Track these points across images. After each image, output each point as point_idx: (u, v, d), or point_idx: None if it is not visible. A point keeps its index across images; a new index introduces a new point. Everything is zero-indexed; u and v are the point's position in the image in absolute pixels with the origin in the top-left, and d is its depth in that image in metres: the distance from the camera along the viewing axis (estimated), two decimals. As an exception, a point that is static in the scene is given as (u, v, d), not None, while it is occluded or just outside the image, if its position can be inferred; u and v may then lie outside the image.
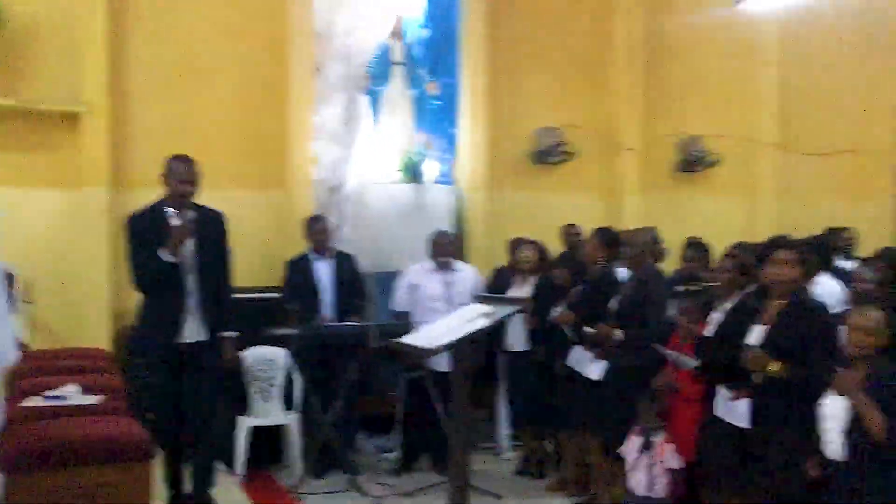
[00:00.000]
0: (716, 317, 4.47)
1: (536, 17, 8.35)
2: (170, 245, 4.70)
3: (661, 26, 8.68)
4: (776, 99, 9.10)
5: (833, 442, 3.49)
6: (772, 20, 8.86)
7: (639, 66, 8.57)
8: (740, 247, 4.95)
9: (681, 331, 4.65)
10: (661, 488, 4.55)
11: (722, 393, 4.16)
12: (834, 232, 7.35)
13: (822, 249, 5.52)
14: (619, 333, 4.99)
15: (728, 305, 4.41)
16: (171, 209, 4.84)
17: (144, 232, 4.79)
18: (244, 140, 7.28)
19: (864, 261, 5.40)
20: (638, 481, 4.56)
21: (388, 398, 6.76)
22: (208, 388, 4.94)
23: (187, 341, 4.81)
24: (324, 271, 6.42)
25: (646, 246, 5.25)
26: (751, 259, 4.62)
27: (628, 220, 8.19)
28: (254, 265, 6.96)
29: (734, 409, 4.08)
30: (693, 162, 8.81)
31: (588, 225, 6.75)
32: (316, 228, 6.48)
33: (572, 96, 8.53)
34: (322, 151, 7.59)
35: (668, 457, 4.54)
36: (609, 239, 5.57)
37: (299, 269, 6.42)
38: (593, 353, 5.27)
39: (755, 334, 4.00)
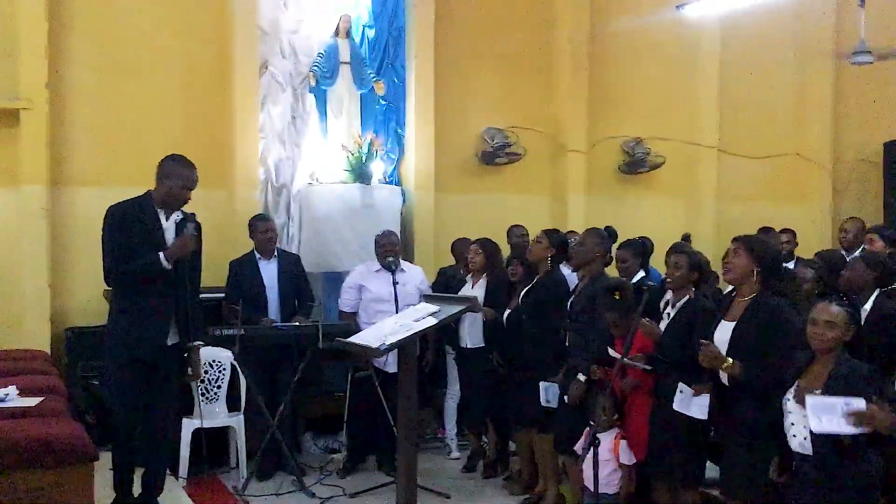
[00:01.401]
0: (669, 313, 4.55)
1: (483, 19, 8.40)
2: (173, 252, 4.64)
3: (605, 30, 8.80)
4: (716, 103, 9.28)
5: (797, 436, 3.55)
6: (713, 26, 9.05)
7: (583, 68, 8.67)
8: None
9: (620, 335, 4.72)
10: (612, 484, 4.61)
11: (682, 388, 4.23)
12: (767, 232, 7.52)
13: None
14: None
15: (681, 302, 4.49)
16: (176, 215, 4.79)
17: (131, 228, 4.68)
18: (187, 138, 7.15)
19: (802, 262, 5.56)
20: (590, 477, 4.60)
21: (335, 398, 6.74)
22: (173, 392, 4.91)
23: (168, 344, 4.77)
24: (269, 272, 6.36)
25: (597, 250, 5.30)
26: (702, 257, 4.73)
27: (573, 220, 8.29)
28: (197, 265, 6.86)
29: (694, 404, 4.16)
30: (636, 164, 8.95)
31: (534, 226, 6.82)
32: (261, 228, 6.42)
33: (519, 97, 8.60)
34: (268, 150, 7.53)
35: (622, 453, 4.61)
36: (557, 241, 5.62)
37: (244, 270, 6.35)
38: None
39: (722, 330, 4.07)
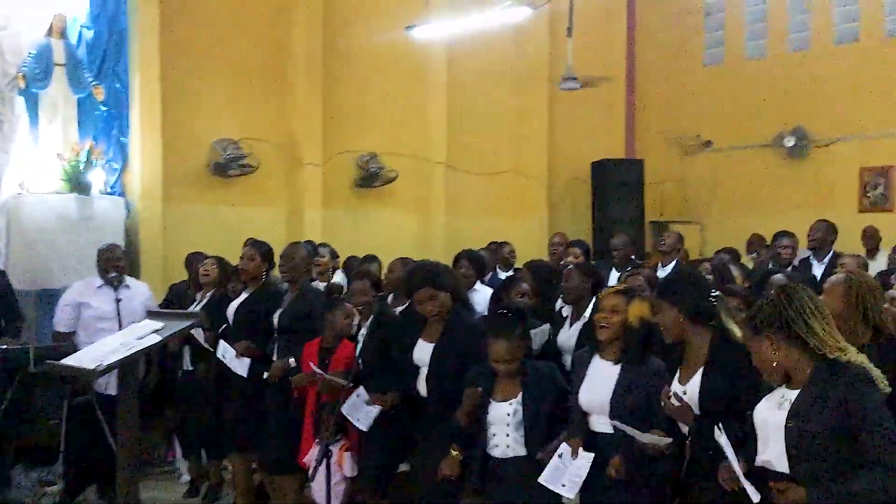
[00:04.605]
0: (363, 333, 4.73)
1: (213, 25, 8.20)
2: None
3: (339, 45, 8.92)
4: (444, 121, 9.72)
5: (499, 445, 3.80)
6: (440, 49, 9.47)
7: (317, 82, 8.73)
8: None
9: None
10: (338, 495, 4.65)
11: (359, 393, 4.46)
12: (497, 246, 7.98)
13: (479, 262, 6.00)
14: (292, 362, 4.98)
15: (370, 320, 4.67)
16: None
17: None
18: None
19: (516, 271, 5.95)
20: (318, 491, 4.62)
21: (49, 426, 6.22)
22: None
23: None
24: (-31, 289, 5.76)
25: (302, 261, 5.34)
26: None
27: (309, 234, 8.29)
28: None
29: (363, 413, 4.44)
30: (371, 178, 9.14)
31: (270, 239, 6.72)
32: (-40, 242, 5.80)
33: (252, 109, 8.48)
34: (-31, 156, 6.85)
35: (346, 464, 4.66)
36: (265, 252, 5.59)
37: (-61, 288, 5.71)
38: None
39: (421, 350, 4.26)
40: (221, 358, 5.27)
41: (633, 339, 3.54)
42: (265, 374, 5.00)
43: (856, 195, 9.71)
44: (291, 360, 4.93)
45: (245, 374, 5.19)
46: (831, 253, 6.89)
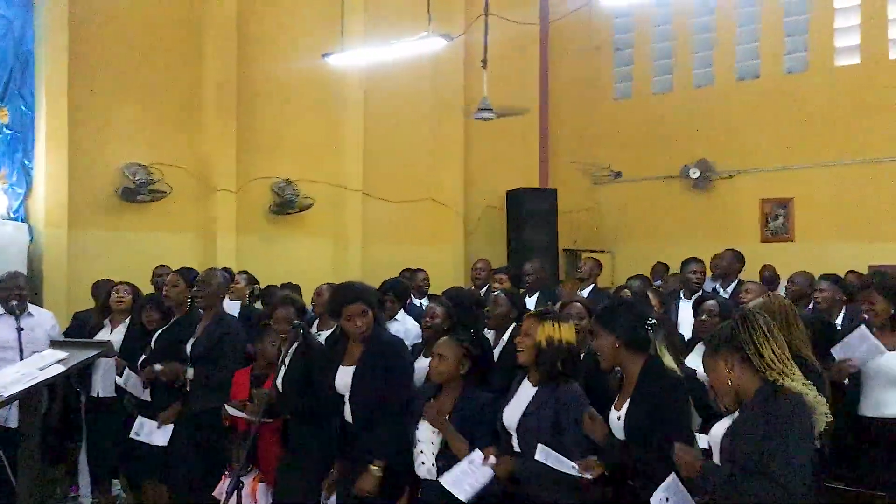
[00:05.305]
0: (285, 362, 4.64)
1: (124, 50, 8.05)
2: None
3: (254, 71, 8.87)
4: (361, 149, 9.74)
5: (425, 463, 3.82)
6: (357, 77, 9.50)
7: (231, 107, 8.65)
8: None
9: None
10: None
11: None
12: (411, 273, 8.02)
13: (403, 292, 6.01)
14: (189, 373, 4.93)
15: (293, 348, 4.60)
16: None
17: None
18: None
19: (432, 297, 5.98)
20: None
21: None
22: None
23: None
24: None
25: (219, 287, 5.27)
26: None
27: (223, 260, 8.16)
28: None
29: None
30: (286, 204, 9.07)
31: (182, 265, 6.61)
32: None
33: (163, 134, 8.34)
34: None
35: (260, 495, 4.59)
36: (190, 280, 5.49)
37: None
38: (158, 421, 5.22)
39: (342, 374, 4.20)
40: (123, 385, 5.28)
41: (545, 361, 3.56)
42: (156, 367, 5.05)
43: (757, 225, 10.11)
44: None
45: (148, 398, 5.23)
46: (736, 281, 7.15)
